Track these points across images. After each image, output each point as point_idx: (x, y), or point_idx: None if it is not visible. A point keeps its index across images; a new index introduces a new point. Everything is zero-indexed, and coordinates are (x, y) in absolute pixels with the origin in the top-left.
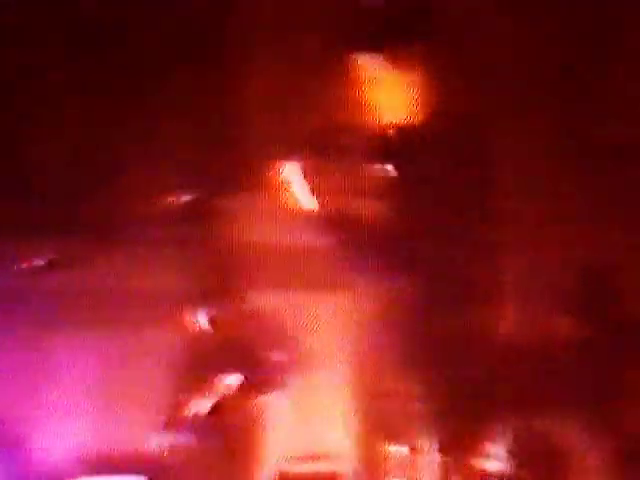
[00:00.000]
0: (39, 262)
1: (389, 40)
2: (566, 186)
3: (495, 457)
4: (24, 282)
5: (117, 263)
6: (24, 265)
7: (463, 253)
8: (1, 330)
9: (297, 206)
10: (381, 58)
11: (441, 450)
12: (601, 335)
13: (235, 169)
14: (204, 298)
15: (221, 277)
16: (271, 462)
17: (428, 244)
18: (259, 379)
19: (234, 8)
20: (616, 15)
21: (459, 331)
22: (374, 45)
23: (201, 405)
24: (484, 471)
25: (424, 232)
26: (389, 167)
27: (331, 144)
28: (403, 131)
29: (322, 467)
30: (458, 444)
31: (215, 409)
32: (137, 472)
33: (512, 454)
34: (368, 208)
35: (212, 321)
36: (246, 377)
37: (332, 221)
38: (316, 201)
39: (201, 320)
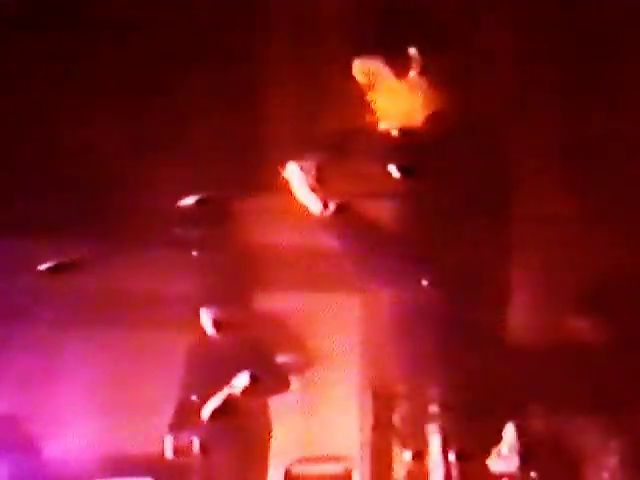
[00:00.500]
0: (54, 262)
1: (402, 43)
2: (582, 186)
3: (508, 459)
4: (40, 282)
5: (132, 264)
6: (41, 265)
7: (476, 254)
8: (16, 331)
9: (310, 209)
10: (394, 61)
11: (453, 451)
12: (618, 337)
13: (250, 171)
14: (216, 299)
15: (234, 279)
16: (281, 463)
17: (441, 245)
18: (270, 380)
19: (251, 9)
20: None
21: (473, 332)
22: (388, 48)
23: (212, 406)
24: (497, 473)
25: (437, 234)
26: (403, 169)
27: (346, 146)
28: (417, 133)
29: (332, 468)
30: (471, 445)
31: (226, 410)
32: (146, 474)
33: (526, 456)
34: (382, 210)
35: (224, 322)
36: (257, 378)
37: (345, 224)
38: (329, 203)
39: (213, 321)
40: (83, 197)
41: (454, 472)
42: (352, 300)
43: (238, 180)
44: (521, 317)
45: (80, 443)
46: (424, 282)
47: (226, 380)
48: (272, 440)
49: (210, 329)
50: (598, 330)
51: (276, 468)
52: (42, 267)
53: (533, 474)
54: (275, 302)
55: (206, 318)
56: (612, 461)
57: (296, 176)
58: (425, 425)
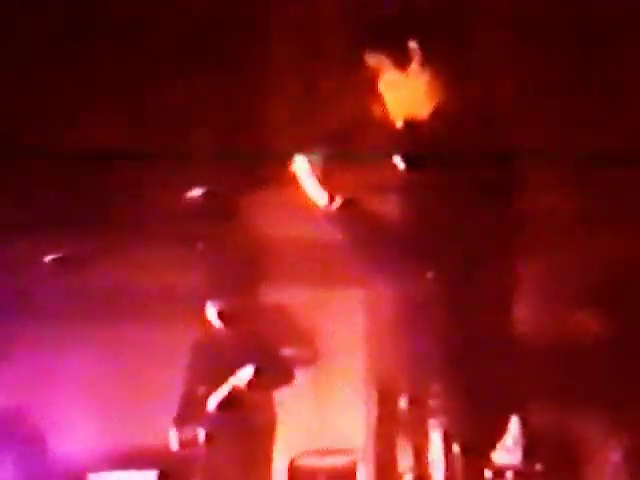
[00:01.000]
0: (58, 258)
1: (407, 39)
2: (588, 183)
3: (513, 453)
4: (43, 278)
5: (137, 259)
6: (44, 261)
7: (482, 251)
8: (18, 327)
9: (316, 202)
10: (400, 56)
11: (458, 445)
12: (624, 333)
13: (255, 165)
14: (222, 292)
15: (240, 272)
16: (286, 456)
17: (446, 242)
18: (275, 374)
19: (251, 9)
20: None
21: (478, 327)
22: (393, 43)
23: (216, 400)
24: (501, 466)
25: (442, 230)
26: (409, 164)
27: (351, 140)
28: (423, 128)
29: (338, 462)
30: (476, 440)
31: (230, 404)
32: (151, 466)
33: (530, 450)
34: (387, 205)
35: (228, 316)
36: (262, 372)
37: (351, 218)
38: (335, 197)
39: (218, 315)
40: (86, 194)
41: (457, 465)
42: (357, 294)
43: (242, 175)
44: (524, 311)
45: (86, 436)
46: (429, 274)
47: (231, 373)
48: (277, 433)
49: (216, 322)
50: (601, 326)
51: (281, 461)
52: (47, 258)
53: (537, 467)
54: (281, 295)
55: (212, 311)
56: (615, 455)
57: (304, 169)
58: (429, 418)
